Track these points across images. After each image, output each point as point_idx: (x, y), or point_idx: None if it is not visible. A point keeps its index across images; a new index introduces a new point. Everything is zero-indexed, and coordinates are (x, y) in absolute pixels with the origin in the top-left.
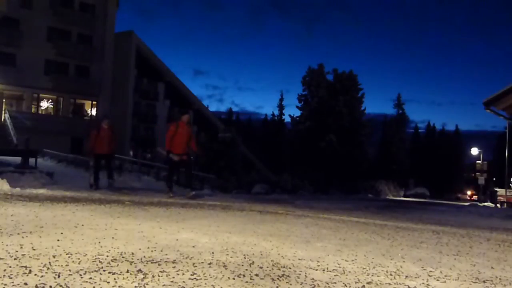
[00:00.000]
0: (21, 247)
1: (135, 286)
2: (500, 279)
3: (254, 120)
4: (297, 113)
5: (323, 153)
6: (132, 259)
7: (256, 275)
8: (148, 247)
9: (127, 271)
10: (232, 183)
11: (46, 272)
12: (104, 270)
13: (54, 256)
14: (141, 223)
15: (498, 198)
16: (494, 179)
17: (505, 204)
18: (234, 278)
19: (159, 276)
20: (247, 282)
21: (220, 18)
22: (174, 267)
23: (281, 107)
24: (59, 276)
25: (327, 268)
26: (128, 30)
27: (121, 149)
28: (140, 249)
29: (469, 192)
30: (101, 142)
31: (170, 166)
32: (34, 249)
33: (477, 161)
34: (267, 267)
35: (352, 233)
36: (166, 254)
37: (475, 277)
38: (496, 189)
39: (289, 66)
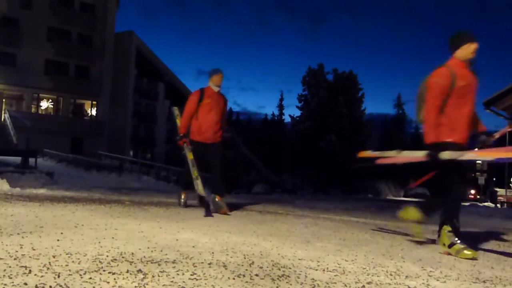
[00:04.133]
0: (21, 247)
1: (135, 286)
2: (500, 279)
3: (255, 120)
4: (298, 113)
5: (323, 153)
6: (132, 259)
7: (256, 275)
8: (148, 247)
9: (127, 271)
10: (232, 183)
11: (46, 272)
12: (104, 270)
13: (54, 256)
14: (141, 223)
15: (498, 198)
16: (494, 179)
17: (505, 204)
18: (234, 278)
19: (159, 276)
20: (247, 282)
21: (224, 19)
22: (174, 267)
23: (281, 107)
24: (59, 276)
25: (327, 268)
26: (128, 30)
27: (121, 149)
28: (140, 249)
29: (473, 191)
30: (205, 118)
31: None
32: (34, 249)
33: (477, 161)
34: (267, 267)
35: (352, 233)
36: (166, 254)
37: (475, 277)
38: (496, 189)
39: (292, 66)
